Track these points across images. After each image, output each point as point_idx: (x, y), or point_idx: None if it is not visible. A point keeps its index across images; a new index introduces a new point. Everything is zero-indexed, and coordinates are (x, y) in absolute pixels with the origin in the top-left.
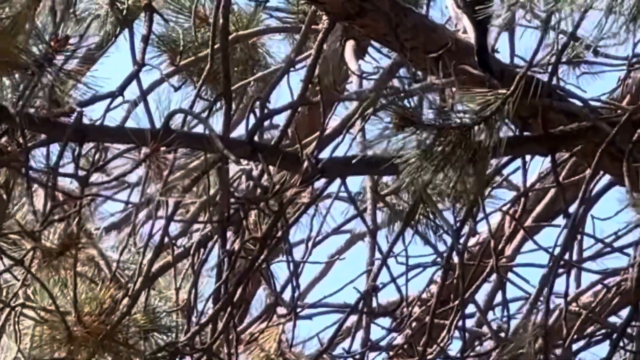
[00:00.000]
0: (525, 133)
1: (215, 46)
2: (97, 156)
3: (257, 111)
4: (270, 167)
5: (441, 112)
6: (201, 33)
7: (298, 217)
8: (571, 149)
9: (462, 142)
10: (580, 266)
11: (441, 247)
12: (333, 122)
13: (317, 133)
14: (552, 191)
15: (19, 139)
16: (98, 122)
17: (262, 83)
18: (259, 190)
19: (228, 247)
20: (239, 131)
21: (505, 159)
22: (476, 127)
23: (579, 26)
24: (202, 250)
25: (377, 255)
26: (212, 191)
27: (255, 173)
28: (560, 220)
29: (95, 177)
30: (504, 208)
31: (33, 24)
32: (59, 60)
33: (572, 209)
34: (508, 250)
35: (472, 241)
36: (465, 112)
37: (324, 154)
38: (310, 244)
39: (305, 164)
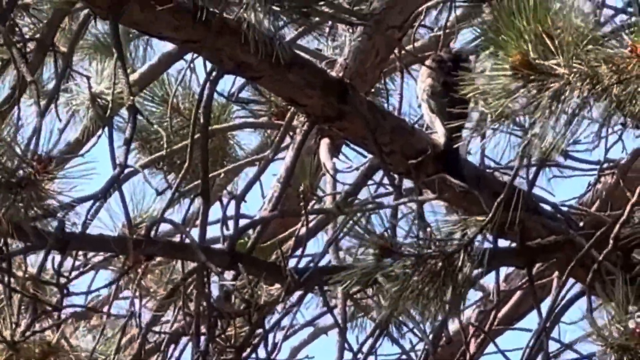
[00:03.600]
0: (502, 242)
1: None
2: (77, 262)
3: (227, 202)
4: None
5: (419, 240)
6: (175, 123)
7: (273, 326)
8: (548, 260)
9: (442, 271)
10: None
11: (406, 345)
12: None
13: (290, 234)
14: (519, 292)
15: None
16: (81, 223)
17: (231, 174)
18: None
19: (202, 346)
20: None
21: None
22: (456, 255)
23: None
24: (173, 345)
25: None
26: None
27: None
28: (527, 323)
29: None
30: (472, 309)
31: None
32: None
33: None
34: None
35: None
36: (444, 240)
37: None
38: (279, 337)
39: (289, 279)
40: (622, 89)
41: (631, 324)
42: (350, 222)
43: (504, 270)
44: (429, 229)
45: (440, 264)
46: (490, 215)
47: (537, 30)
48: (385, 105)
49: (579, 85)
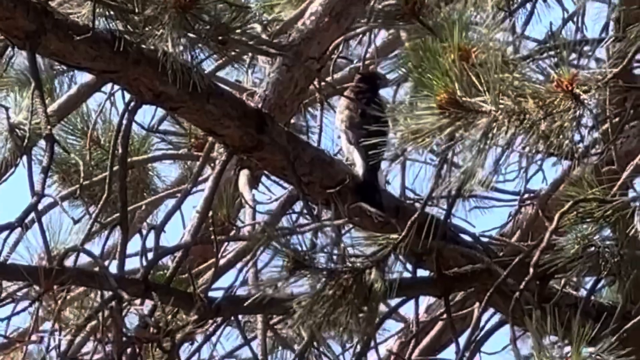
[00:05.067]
0: (420, 271)
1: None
2: None
3: (147, 234)
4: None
5: (333, 255)
6: (94, 155)
7: (191, 356)
8: (465, 289)
9: (353, 286)
10: None
11: None
12: (227, 252)
13: (209, 265)
14: (440, 323)
15: None
16: None
17: (151, 206)
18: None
19: None
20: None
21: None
22: (367, 271)
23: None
24: None
25: None
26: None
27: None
28: (449, 353)
29: None
30: (393, 340)
31: None
32: None
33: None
34: None
35: None
36: (357, 256)
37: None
38: None
39: (199, 305)
40: (549, 124)
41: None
42: (267, 244)
43: (425, 301)
44: (342, 246)
45: (352, 279)
46: (402, 234)
47: (462, 68)
48: (306, 137)
49: (506, 122)
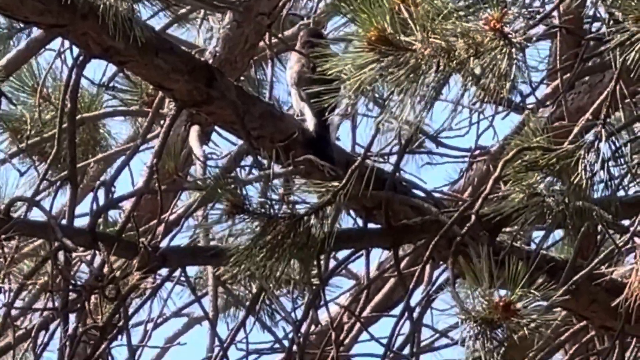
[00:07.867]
0: (370, 224)
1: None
2: None
3: (97, 189)
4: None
5: (272, 201)
6: (45, 113)
7: (139, 307)
8: (415, 242)
9: (291, 233)
10: None
11: (280, 333)
12: (177, 208)
13: (159, 221)
14: (392, 280)
15: None
16: None
17: (103, 163)
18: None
19: (70, 331)
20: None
21: (348, 251)
22: (306, 218)
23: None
24: (43, 332)
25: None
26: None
27: (97, 260)
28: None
29: None
30: (345, 297)
31: None
32: None
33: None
34: (348, 339)
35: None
36: (297, 203)
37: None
38: (150, 326)
39: (143, 252)
40: (479, 63)
41: (494, 297)
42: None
43: (377, 258)
44: (281, 192)
45: (290, 225)
46: (343, 182)
47: (393, 5)
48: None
49: (435, 61)
